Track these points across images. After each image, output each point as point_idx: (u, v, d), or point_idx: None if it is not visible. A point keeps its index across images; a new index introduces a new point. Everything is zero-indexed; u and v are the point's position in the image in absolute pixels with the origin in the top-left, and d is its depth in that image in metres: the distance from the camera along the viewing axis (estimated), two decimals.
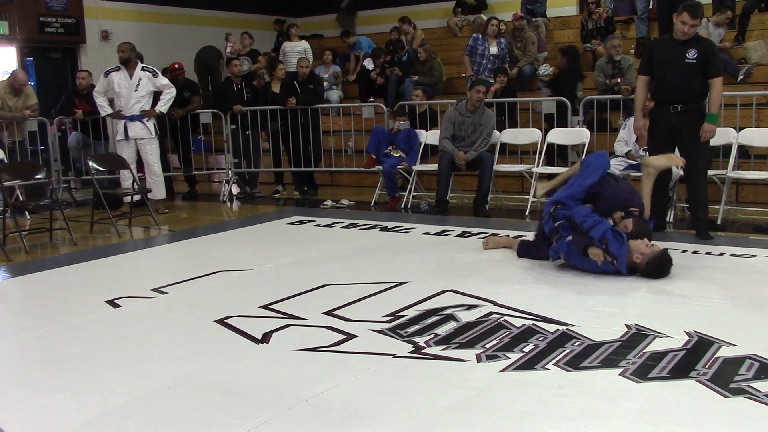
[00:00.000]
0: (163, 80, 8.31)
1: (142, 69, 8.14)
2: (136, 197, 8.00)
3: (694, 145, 5.89)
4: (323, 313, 4.12)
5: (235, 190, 9.76)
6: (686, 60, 5.78)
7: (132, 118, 8.07)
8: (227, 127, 9.57)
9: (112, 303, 4.50)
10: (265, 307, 4.30)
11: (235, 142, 9.57)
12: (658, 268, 4.64)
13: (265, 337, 3.75)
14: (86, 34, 12.27)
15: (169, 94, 8.31)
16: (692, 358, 3.27)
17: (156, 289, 4.78)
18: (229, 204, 9.32)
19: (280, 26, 13.96)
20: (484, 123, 7.82)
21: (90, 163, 7.75)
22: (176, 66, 9.52)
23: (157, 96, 8.29)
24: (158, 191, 8.37)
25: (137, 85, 8.06)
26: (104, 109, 8.29)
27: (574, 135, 7.91)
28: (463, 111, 7.85)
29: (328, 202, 8.68)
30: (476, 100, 7.75)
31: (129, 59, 8.06)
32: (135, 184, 7.84)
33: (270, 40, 14.36)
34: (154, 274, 5.37)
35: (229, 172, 9.72)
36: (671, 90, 5.89)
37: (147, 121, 8.16)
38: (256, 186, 9.82)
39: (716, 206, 6.63)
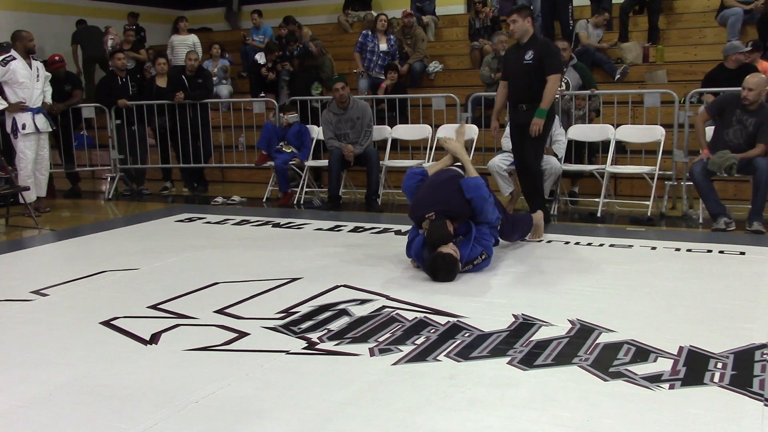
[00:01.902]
0: (46, 72, 8.18)
1: (33, 59, 7.93)
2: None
3: (528, 140, 6.12)
4: (214, 312, 4.05)
5: (121, 187, 9.44)
6: (524, 61, 6.09)
7: (38, 111, 7.83)
8: (111, 122, 9.26)
9: None
10: (154, 307, 4.19)
11: (120, 138, 9.27)
12: (428, 269, 4.66)
13: (154, 338, 3.65)
14: None
15: (49, 87, 8.18)
16: (575, 345, 3.42)
17: (36, 291, 4.57)
18: (114, 202, 9.00)
19: (134, 20, 13.25)
20: (361, 116, 7.91)
21: None
22: (56, 59, 9.14)
23: None
24: (44, 189, 8.18)
25: (37, 76, 7.85)
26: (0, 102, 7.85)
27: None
28: (335, 110, 7.95)
29: (219, 199, 8.54)
30: (339, 97, 7.84)
31: (34, 48, 7.87)
32: (15, 180, 7.46)
33: (160, 32, 13.92)
34: (33, 276, 5.11)
35: (115, 169, 9.40)
36: (517, 91, 6.22)
37: (48, 114, 8.00)
38: (143, 183, 9.55)
39: (596, 199, 6.95)
